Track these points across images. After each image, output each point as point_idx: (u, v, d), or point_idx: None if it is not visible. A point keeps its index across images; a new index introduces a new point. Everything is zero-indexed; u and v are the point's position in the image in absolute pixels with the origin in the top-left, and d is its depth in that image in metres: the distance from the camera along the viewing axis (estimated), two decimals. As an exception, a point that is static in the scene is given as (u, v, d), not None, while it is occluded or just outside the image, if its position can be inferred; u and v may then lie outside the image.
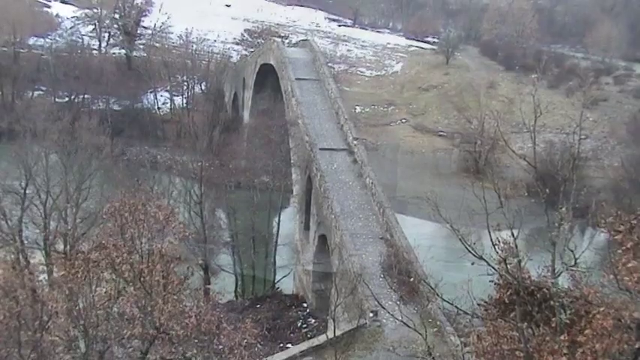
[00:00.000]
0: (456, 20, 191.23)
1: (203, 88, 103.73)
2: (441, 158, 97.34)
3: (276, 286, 57.56)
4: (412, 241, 41.43)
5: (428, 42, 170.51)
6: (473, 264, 17.31)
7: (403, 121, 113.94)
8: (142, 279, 23.71)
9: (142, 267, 24.17)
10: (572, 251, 17.07)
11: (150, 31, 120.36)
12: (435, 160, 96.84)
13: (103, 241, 26.11)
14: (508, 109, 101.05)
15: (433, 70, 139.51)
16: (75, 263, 24.38)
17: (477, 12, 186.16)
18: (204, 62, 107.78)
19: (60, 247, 44.18)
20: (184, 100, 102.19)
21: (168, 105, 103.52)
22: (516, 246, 17.19)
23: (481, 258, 17.07)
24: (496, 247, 17.05)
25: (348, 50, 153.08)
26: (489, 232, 17.11)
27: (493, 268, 17.10)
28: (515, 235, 17.14)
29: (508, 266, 16.76)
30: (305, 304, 51.07)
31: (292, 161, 60.11)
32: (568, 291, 16.78)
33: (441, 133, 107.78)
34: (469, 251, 17.23)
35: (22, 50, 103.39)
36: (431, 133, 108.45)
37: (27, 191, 45.39)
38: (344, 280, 36.42)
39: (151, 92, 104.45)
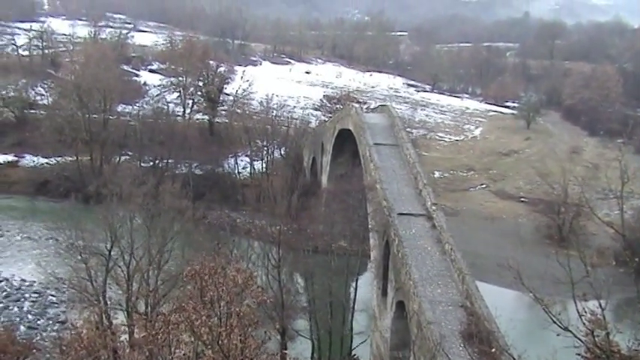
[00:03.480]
0: (536, 85, 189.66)
1: (282, 153, 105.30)
2: (523, 225, 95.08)
3: (353, 352, 56.70)
4: (493, 309, 40.26)
5: (508, 107, 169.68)
6: (558, 335, 16.70)
7: (483, 186, 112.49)
8: (220, 342, 23.79)
9: (221, 330, 24.28)
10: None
11: (232, 98, 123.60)
12: (517, 226, 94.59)
13: (183, 304, 26.43)
14: (593, 174, 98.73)
15: (513, 135, 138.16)
16: (155, 325, 24.72)
17: (559, 76, 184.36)
18: (283, 128, 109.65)
19: (142, 308, 44.93)
20: (264, 165, 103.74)
21: (248, 169, 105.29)
22: (604, 317, 16.51)
23: (567, 329, 16.45)
24: (583, 318, 16.43)
25: (427, 115, 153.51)
26: (575, 303, 16.53)
27: (580, 340, 16.44)
28: (603, 305, 16.49)
29: (596, 339, 16.08)
30: (382, 372, 50.00)
31: (370, 226, 59.78)
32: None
33: (523, 199, 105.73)
34: (554, 322, 16.64)
35: (111, 117, 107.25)
36: (512, 199, 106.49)
37: (112, 253, 46.65)
38: (422, 349, 35.59)
39: (231, 157, 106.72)
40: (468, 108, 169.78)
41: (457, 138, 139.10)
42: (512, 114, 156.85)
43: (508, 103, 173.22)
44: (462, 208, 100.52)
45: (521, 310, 57.13)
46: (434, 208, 53.60)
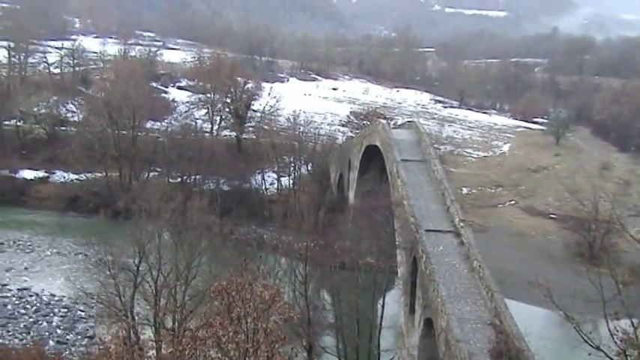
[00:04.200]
0: (565, 100, 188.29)
1: (309, 169, 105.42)
2: (553, 242, 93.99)
3: (380, 370, 56.31)
4: (522, 327, 39.77)
5: (536, 122, 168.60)
6: (589, 354, 16.44)
7: (512, 202, 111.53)
8: (247, 359, 23.74)
9: (248, 346, 24.26)
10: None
11: (259, 115, 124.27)
12: (546, 243, 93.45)
13: (210, 320, 26.46)
14: (624, 191, 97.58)
15: (542, 151, 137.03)
16: (183, 340, 24.77)
17: (589, 92, 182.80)
18: (310, 144, 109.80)
19: (169, 323, 45.07)
20: (291, 181, 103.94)
21: (276, 185, 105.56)
22: (637, 337, 16.20)
23: (598, 349, 16.20)
24: (614, 337, 16.14)
25: (454, 131, 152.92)
26: (607, 321, 16.26)
27: (611, 359, 16.15)
28: (635, 324, 16.18)
29: (628, 358, 15.79)
30: (410, 390, 49.53)
31: (397, 243, 59.51)
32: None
33: (552, 216, 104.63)
34: (585, 341, 16.40)
35: (140, 133, 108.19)
36: (541, 216, 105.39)
37: (140, 268, 46.92)
38: (451, 367, 35.22)
39: (258, 173, 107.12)
40: (496, 124, 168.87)
41: (485, 154, 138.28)
42: (541, 130, 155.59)
43: (537, 119, 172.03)
44: (490, 225, 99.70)
45: (552, 328, 56.32)
46: (462, 224, 53.21)
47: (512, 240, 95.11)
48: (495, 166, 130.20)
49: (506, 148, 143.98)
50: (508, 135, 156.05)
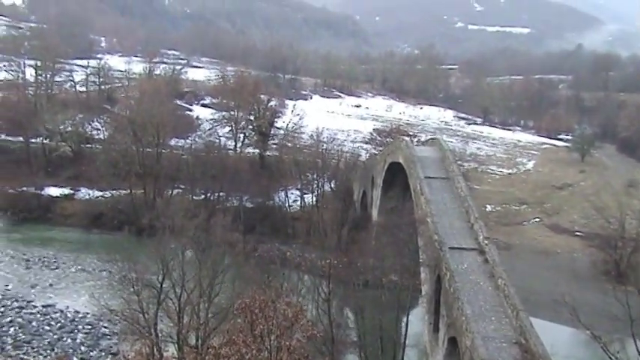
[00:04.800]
0: (590, 117, 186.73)
1: (332, 186, 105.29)
2: (579, 260, 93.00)
3: (404, 389, 55.84)
4: (548, 347, 39.25)
5: (561, 139, 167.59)
6: (618, 375, 16.13)
7: (536, 220, 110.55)
8: (270, 376, 23.66)
9: (271, 364, 24.16)
10: None
11: (282, 132, 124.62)
12: (572, 261, 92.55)
13: (234, 337, 26.45)
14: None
15: (567, 168, 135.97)
16: (206, 358, 24.76)
17: (614, 109, 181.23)
18: (333, 161, 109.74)
19: (192, 341, 45.06)
20: (314, 198, 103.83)
21: (299, 203, 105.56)
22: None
23: (627, 369, 15.90)
24: (644, 357, 15.85)
25: (478, 148, 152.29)
26: (635, 341, 15.98)
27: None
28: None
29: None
30: (434, 410, 49.04)
31: (421, 260, 59.17)
32: None
33: (578, 234, 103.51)
34: (613, 361, 16.11)
35: (164, 151, 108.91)
36: (566, 233, 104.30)
37: (163, 285, 47.03)
38: (475, 386, 34.81)
39: (282, 190, 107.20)
40: (520, 141, 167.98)
41: (509, 171, 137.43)
42: (566, 147, 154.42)
43: (561, 136, 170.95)
44: (515, 243, 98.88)
45: (578, 347, 55.55)
46: (486, 242, 52.80)
47: (538, 258, 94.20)
48: (520, 183, 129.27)
49: (530, 165, 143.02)
50: (532, 152, 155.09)
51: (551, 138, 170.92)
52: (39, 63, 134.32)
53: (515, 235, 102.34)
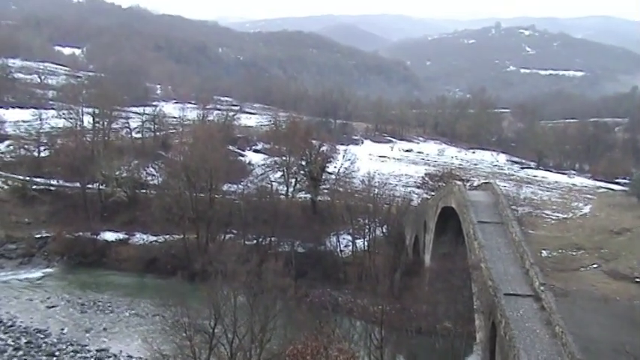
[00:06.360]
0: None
1: (384, 231, 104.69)
2: (639, 307, 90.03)
3: None
4: (610, 398, 37.94)
5: (618, 183, 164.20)
6: None
7: (594, 266, 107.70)
8: None
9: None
10: None
11: (334, 177, 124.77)
12: (632, 309, 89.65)
13: (285, 384, 26.19)
14: None
15: (625, 212, 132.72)
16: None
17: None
18: (385, 205, 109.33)
19: (244, 386, 44.83)
20: (366, 243, 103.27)
21: (350, 248, 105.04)
22: None
23: None
24: None
25: (532, 192, 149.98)
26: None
27: None
28: None
29: None
30: None
31: (475, 307, 58.13)
32: None
33: (638, 280, 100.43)
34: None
35: (217, 196, 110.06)
36: (625, 280, 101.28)
37: (215, 330, 47.08)
38: None
39: (333, 235, 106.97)
40: (575, 185, 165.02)
41: (565, 215, 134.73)
42: (623, 191, 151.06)
43: (618, 180, 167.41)
44: (572, 289, 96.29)
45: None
46: (542, 288, 51.61)
47: (596, 305, 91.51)
48: (576, 228, 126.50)
49: (587, 209, 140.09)
50: (588, 196, 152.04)
51: (607, 182, 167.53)
52: (96, 110, 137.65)
53: (572, 282, 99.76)
